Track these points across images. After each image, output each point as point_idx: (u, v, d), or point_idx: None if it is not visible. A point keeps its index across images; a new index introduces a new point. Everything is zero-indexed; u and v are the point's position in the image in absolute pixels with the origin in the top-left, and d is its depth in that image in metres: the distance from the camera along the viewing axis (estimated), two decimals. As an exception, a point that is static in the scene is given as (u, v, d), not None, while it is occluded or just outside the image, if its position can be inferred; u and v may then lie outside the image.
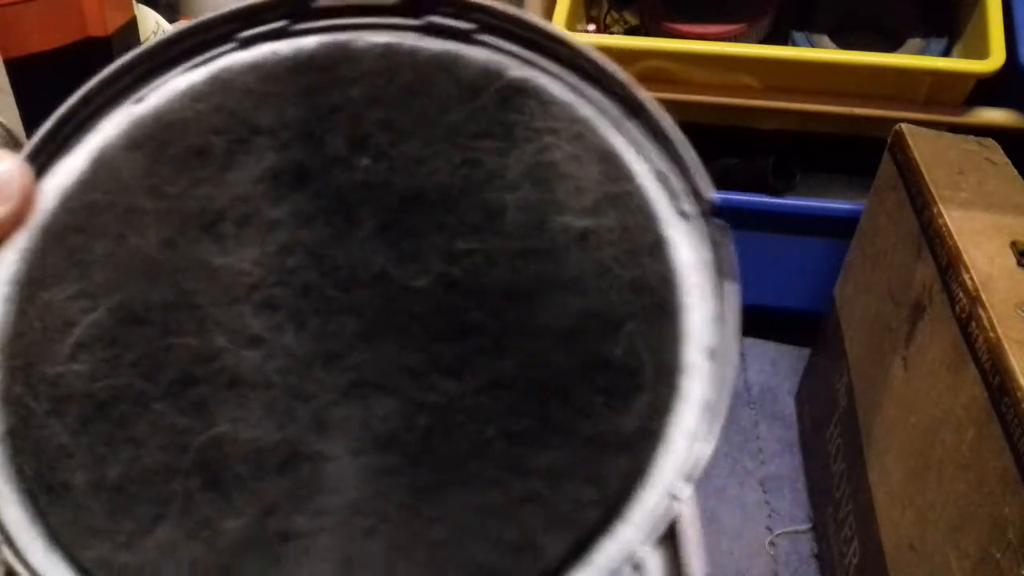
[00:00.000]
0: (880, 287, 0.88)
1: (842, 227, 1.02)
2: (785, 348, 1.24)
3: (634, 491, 0.21)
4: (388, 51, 0.27)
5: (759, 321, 1.28)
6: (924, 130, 0.90)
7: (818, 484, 1.00)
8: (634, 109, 0.26)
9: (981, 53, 0.98)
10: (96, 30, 1.29)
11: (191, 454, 0.21)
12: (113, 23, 1.33)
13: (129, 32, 1.39)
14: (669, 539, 0.20)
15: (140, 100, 0.27)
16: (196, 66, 0.27)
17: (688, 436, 0.22)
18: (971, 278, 0.66)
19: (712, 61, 1.06)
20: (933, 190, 0.78)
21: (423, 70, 0.26)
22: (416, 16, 0.28)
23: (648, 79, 1.10)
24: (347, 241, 0.23)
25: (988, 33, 0.98)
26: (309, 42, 0.27)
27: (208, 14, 0.28)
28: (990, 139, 0.91)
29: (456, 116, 0.25)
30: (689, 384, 0.23)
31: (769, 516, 1.01)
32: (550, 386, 0.22)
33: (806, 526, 1.00)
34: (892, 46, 1.12)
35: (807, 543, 0.98)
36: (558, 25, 1.07)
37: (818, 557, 0.95)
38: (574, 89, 0.26)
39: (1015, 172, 0.85)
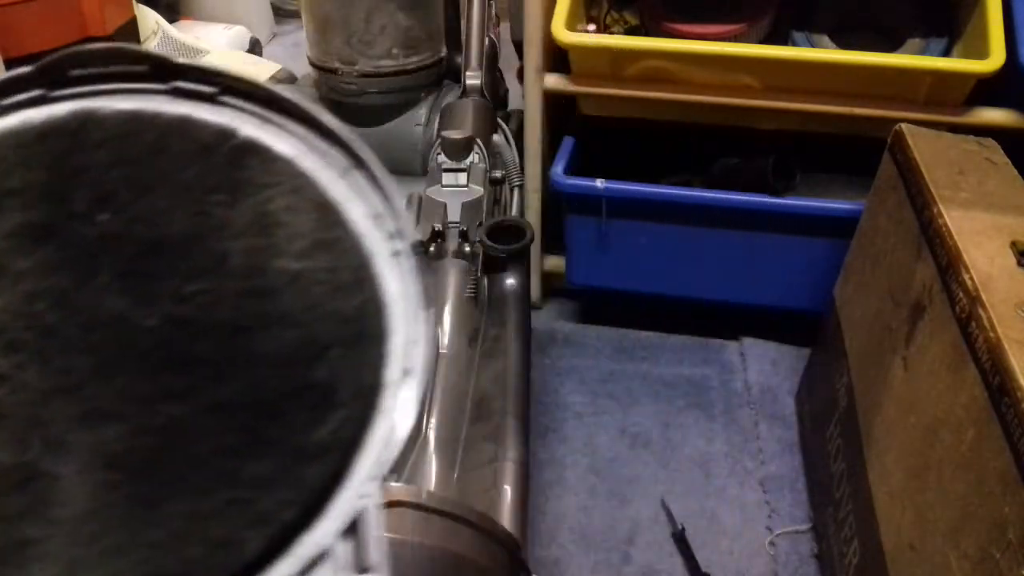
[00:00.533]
0: (880, 287, 0.88)
1: (842, 227, 1.02)
2: (785, 348, 1.24)
3: (331, 492, 0.25)
4: (133, 116, 0.30)
5: (759, 321, 1.28)
6: (924, 130, 0.90)
7: (818, 484, 1.00)
8: (358, 161, 0.30)
9: (981, 53, 0.98)
10: (96, 30, 1.29)
11: None
12: (113, 23, 1.33)
13: (129, 32, 1.40)
14: (354, 531, 0.24)
15: None
16: None
17: (381, 444, 0.25)
18: (971, 278, 0.66)
19: (712, 61, 1.06)
20: (933, 190, 0.78)
21: (164, 131, 0.30)
22: (163, 82, 0.31)
23: (648, 79, 1.10)
24: (88, 287, 0.27)
25: (988, 33, 0.98)
26: (61, 109, 0.30)
27: None
28: (990, 139, 0.91)
29: (191, 173, 0.29)
30: (386, 400, 0.26)
31: (769, 516, 1.01)
32: (263, 406, 0.25)
33: (806, 526, 1.00)
34: (892, 46, 1.12)
35: (807, 543, 0.98)
36: (558, 25, 1.07)
37: (818, 557, 0.95)
38: (305, 143, 0.30)
39: (1015, 172, 0.85)
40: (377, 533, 0.25)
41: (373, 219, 0.29)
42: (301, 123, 0.30)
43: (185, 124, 0.29)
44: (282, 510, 0.24)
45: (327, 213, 0.28)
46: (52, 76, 0.30)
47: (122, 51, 0.30)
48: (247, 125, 0.30)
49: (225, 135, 0.29)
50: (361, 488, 0.25)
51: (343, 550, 0.24)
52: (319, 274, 0.27)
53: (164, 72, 0.30)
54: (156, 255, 0.27)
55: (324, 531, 0.24)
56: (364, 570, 0.24)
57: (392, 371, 0.26)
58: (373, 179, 0.29)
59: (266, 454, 0.25)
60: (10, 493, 0.24)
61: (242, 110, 0.30)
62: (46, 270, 0.26)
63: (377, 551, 0.25)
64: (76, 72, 0.30)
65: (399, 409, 0.26)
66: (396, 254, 0.28)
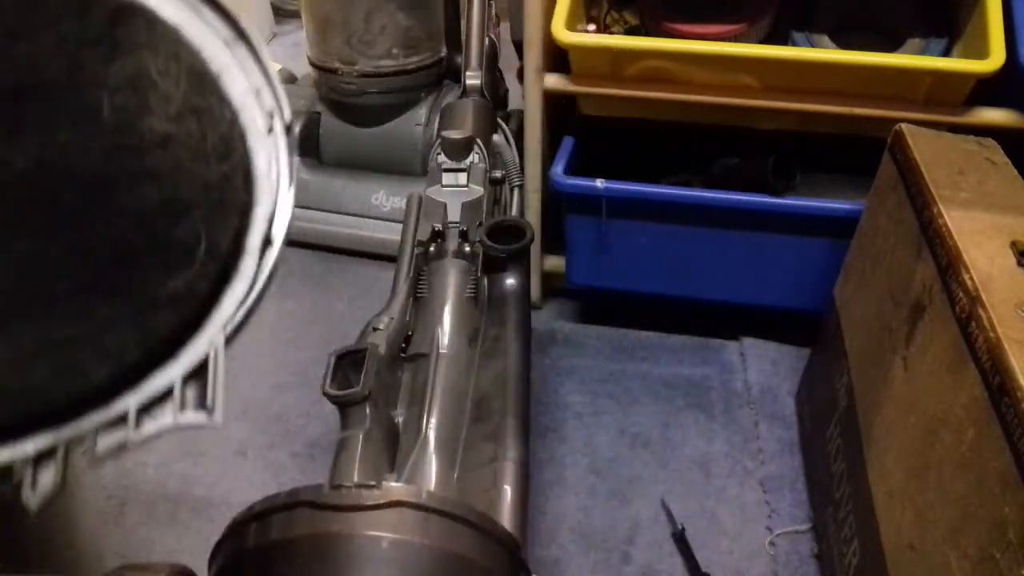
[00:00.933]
0: (880, 287, 0.88)
1: (842, 227, 1.02)
2: (785, 348, 1.24)
3: (181, 339, 0.28)
4: None
5: (759, 321, 1.28)
6: (924, 130, 0.90)
7: (818, 484, 1.00)
8: (241, 35, 0.30)
9: (981, 53, 0.98)
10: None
11: None
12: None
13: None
14: (202, 377, 0.28)
15: None
16: None
17: (235, 301, 0.28)
18: (971, 278, 0.66)
19: (712, 61, 1.06)
20: (933, 190, 0.78)
21: None
22: None
23: (648, 79, 1.10)
24: None
25: (988, 33, 0.98)
26: None
27: None
28: (990, 139, 0.91)
29: (69, 25, 0.28)
30: (245, 263, 0.28)
31: (769, 516, 1.01)
32: (121, 256, 0.27)
33: (806, 526, 1.00)
34: (892, 46, 1.12)
35: (807, 543, 0.98)
36: (558, 25, 1.07)
37: (818, 557, 0.95)
38: (193, 11, 0.30)
39: (1015, 172, 0.85)
40: (221, 380, 0.29)
41: (253, 94, 0.30)
42: None
43: None
44: (128, 350, 0.27)
45: (204, 82, 0.29)
46: None
47: None
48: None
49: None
50: (211, 339, 0.28)
51: (189, 393, 0.28)
52: (188, 139, 0.28)
53: None
54: (29, 100, 0.27)
55: (171, 374, 0.28)
56: (206, 412, 0.28)
57: (253, 239, 0.29)
58: (256, 55, 0.30)
59: (119, 299, 0.27)
60: None
61: None
62: None
63: (218, 396, 0.28)
64: None
65: (256, 273, 0.28)
66: (270, 130, 0.30)
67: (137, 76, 0.28)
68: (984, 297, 0.63)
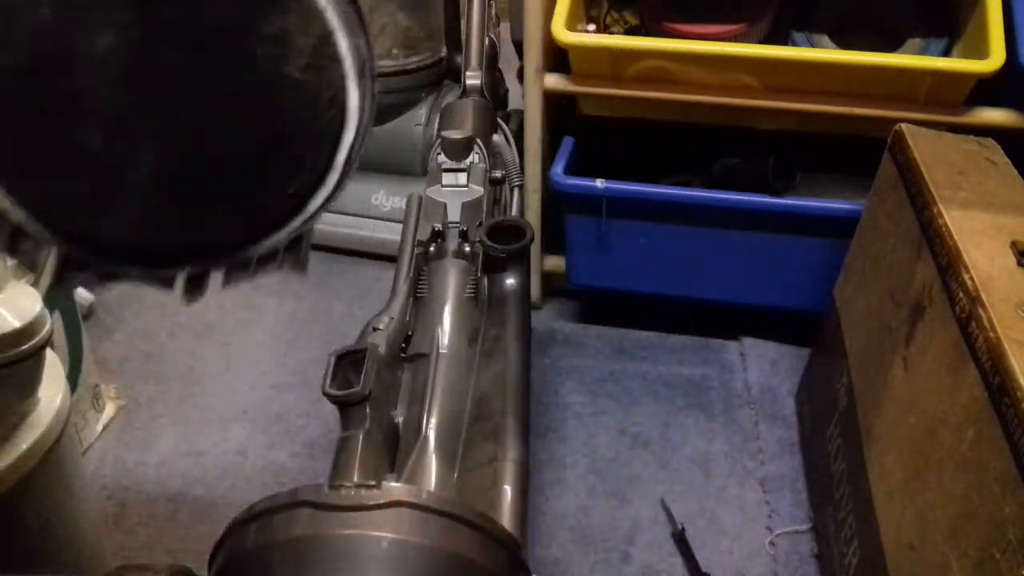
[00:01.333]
0: (880, 287, 0.88)
1: (842, 227, 1.02)
2: (785, 348, 1.24)
3: (290, 217, 0.40)
4: None
5: (759, 321, 1.28)
6: (924, 130, 0.90)
7: (818, 484, 1.00)
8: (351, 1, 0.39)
9: (981, 53, 0.98)
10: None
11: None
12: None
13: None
14: (299, 245, 0.42)
15: None
16: None
17: (324, 197, 0.41)
18: (971, 278, 0.66)
19: (712, 61, 1.06)
20: (933, 190, 0.78)
21: None
22: None
23: (648, 79, 1.10)
24: (151, 52, 0.36)
25: (988, 33, 0.98)
26: None
27: None
28: (990, 139, 0.91)
29: None
30: (331, 175, 0.41)
31: (769, 516, 1.01)
32: (260, 162, 0.39)
33: (806, 526, 1.00)
34: (892, 46, 1.12)
35: (807, 543, 0.98)
36: (558, 25, 1.07)
37: (818, 557, 0.95)
38: None
39: (1015, 172, 0.85)
40: (309, 248, 0.43)
41: (355, 49, 0.39)
42: None
43: None
44: (258, 221, 0.40)
45: (325, 41, 0.38)
46: None
47: None
48: None
49: None
50: (311, 217, 0.41)
51: (288, 257, 0.42)
52: (310, 86, 0.38)
53: None
54: (207, 42, 0.37)
55: (277, 238, 0.40)
56: (298, 270, 0.42)
57: (340, 157, 0.40)
58: (359, 14, 0.39)
59: (255, 190, 0.40)
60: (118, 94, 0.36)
61: None
62: (123, 28, 0.36)
63: (307, 256, 0.43)
64: None
65: (338, 177, 0.41)
66: (362, 76, 0.39)
67: (283, 32, 0.37)
68: (984, 297, 0.63)
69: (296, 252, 0.42)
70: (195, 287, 0.41)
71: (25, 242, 0.38)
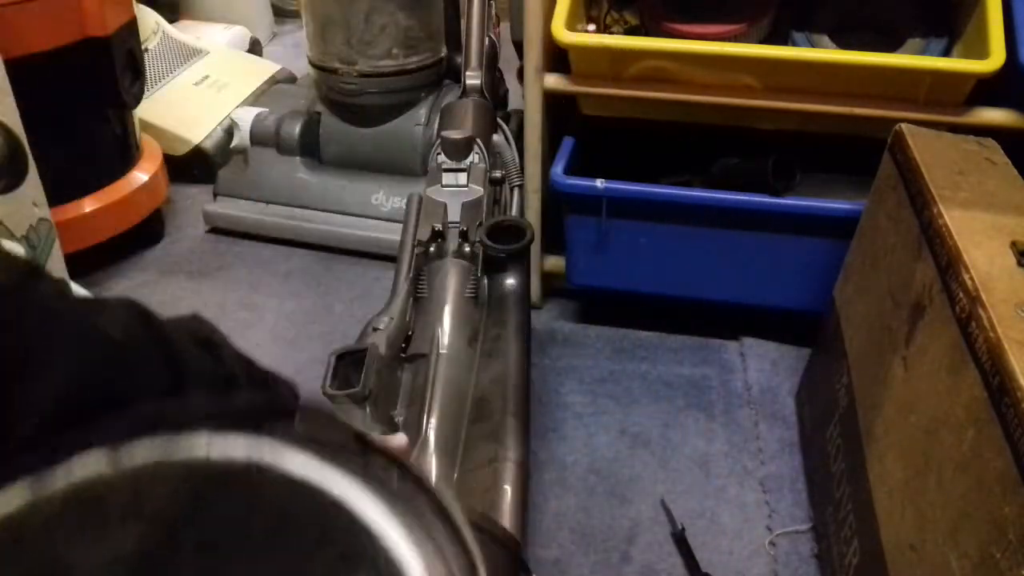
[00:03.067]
0: (880, 287, 0.88)
1: (842, 227, 1.02)
2: (785, 348, 1.24)
3: None
4: (295, 486, 0.28)
5: (759, 321, 1.28)
6: (924, 130, 0.90)
7: (818, 484, 1.00)
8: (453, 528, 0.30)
9: (981, 53, 0.98)
10: (96, 30, 1.29)
11: None
12: (113, 23, 1.32)
13: (129, 32, 1.39)
14: None
15: None
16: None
17: None
18: (971, 278, 0.66)
19: (712, 61, 1.06)
20: (933, 190, 0.78)
21: (315, 513, 0.28)
22: (361, 456, 0.29)
23: (648, 79, 1.10)
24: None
25: (988, 33, 0.98)
26: (239, 450, 0.28)
27: None
28: (990, 139, 0.91)
29: (298, 558, 0.27)
30: None
31: (769, 516, 1.01)
32: None
33: (806, 526, 1.00)
34: (892, 46, 1.12)
35: (807, 543, 0.98)
36: (558, 25, 1.07)
37: (818, 557, 0.95)
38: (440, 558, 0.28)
39: (1015, 172, 0.85)
40: None
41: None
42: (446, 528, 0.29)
43: (335, 510, 0.28)
44: None
45: None
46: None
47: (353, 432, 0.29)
48: (394, 533, 0.28)
49: (367, 542, 0.27)
50: None
51: None
52: None
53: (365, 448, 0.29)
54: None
55: None
56: None
57: None
58: (456, 534, 0.29)
59: None
60: None
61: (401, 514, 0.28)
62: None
63: None
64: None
65: None
66: None
67: None
68: (984, 297, 0.63)
69: None
70: None
71: None
